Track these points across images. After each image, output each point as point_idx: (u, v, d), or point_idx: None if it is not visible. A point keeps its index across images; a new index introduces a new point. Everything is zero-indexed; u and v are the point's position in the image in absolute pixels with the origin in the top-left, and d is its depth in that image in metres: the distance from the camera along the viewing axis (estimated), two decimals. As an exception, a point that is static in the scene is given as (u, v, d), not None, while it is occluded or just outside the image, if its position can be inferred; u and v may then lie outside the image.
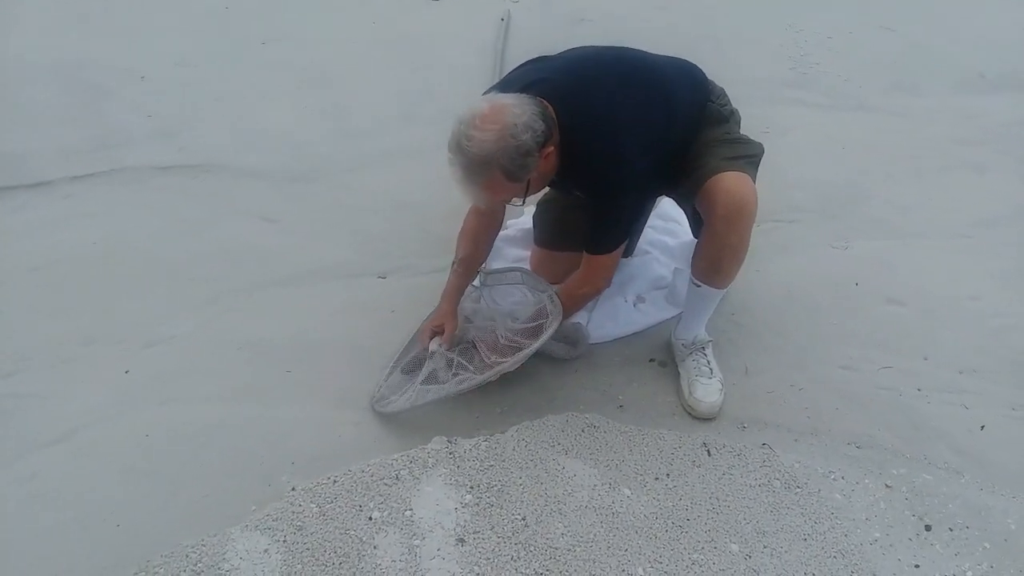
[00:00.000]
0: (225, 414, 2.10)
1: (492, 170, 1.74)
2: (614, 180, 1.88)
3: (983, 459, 2.05)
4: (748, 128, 2.12)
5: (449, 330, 2.18)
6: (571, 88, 1.87)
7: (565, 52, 2.05)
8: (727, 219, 1.92)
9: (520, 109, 1.73)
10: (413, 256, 2.65)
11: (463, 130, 1.72)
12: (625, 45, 2.05)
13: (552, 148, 1.81)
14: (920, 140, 3.31)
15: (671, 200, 2.36)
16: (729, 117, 2.09)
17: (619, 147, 1.86)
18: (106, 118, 3.28)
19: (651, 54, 2.05)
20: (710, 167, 1.95)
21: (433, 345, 2.16)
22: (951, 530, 1.88)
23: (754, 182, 1.96)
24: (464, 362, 2.14)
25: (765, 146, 2.07)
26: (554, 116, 1.82)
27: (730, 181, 1.91)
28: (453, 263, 2.23)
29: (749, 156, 2.01)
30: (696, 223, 2.08)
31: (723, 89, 2.13)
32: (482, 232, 2.22)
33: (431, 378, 2.14)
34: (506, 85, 1.91)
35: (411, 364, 2.21)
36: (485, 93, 1.90)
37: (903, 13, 4.33)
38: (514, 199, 1.87)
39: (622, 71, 1.96)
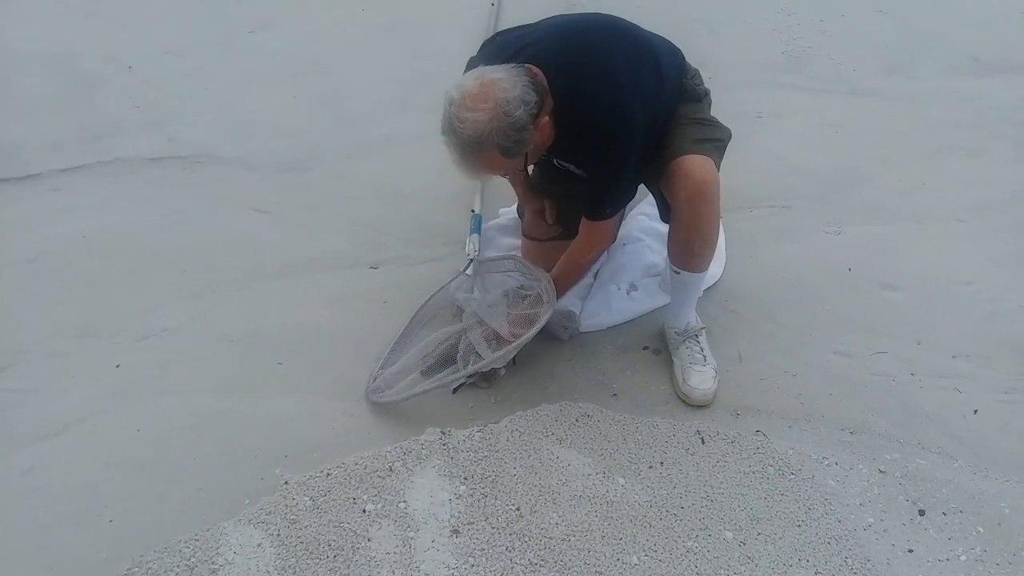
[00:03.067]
0: (218, 407, 2.10)
1: (488, 149, 1.71)
2: (618, 138, 1.84)
3: (976, 444, 2.05)
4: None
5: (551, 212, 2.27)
6: (565, 50, 1.84)
7: (547, 19, 2.00)
8: (690, 202, 1.92)
9: (510, 83, 1.69)
10: (407, 246, 2.64)
11: (454, 112, 1.69)
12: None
13: (546, 117, 1.78)
14: (914, 124, 3.29)
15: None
16: (703, 97, 2.08)
17: (623, 104, 1.82)
18: (94, 109, 3.25)
19: (633, 23, 2.01)
20: (675, 148, 1.94)
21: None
22: (945, 515, 1.88)
23: (718, 167, 1.95)
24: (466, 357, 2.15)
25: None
26: (545, 83, 1.78)
27: (691, 164, 1.90)
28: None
29: (716, 140, 2.00)
30: (664, 208, 2.07)
31: (697, 70, 2.11)
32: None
33: (428, 371, 2.14)
34: (492, 55, 1.86)
35: (434, 364, 2.19)
36: (470, 64, 1.87)
37: (896, -5, 4.30)
38: (511, 174, 1.86)
39: (613, 34, 1.93)
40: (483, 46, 1.97)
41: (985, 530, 1.85)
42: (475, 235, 2.50)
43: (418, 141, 3.08)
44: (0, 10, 3.87)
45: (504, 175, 1.88)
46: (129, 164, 2.96)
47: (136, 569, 1.72)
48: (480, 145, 1.70)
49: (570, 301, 2.34)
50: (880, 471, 1.97)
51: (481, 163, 1.75)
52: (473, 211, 2.63)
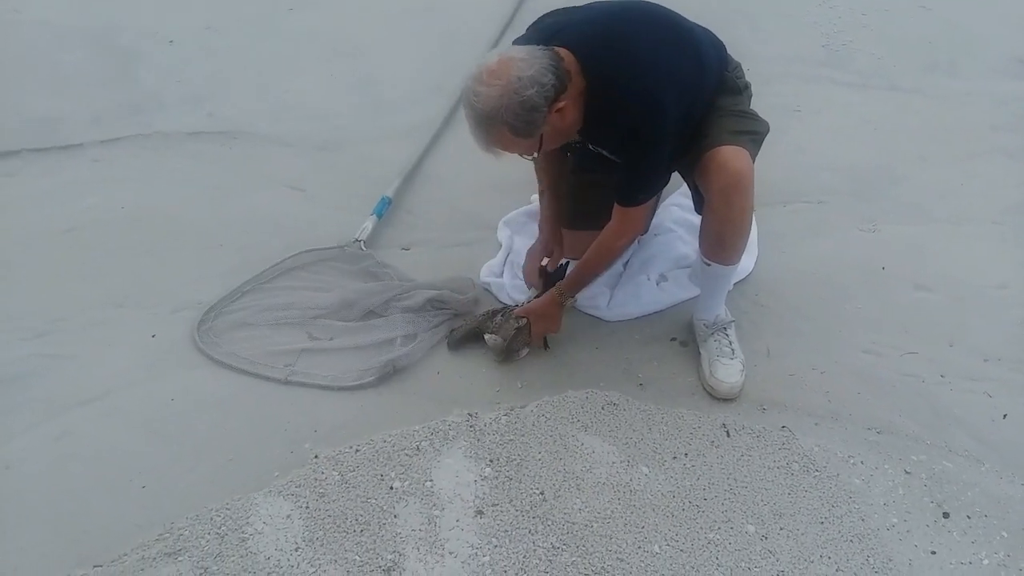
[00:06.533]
0: (249, 380, 2.13)
1: (498, 126, 1.73)
2: (649, 124, 1.83)
3: (1004, 448, 2.03)
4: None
5: (557, 255, 2.29)
6: (600, 35, 1.84)
7: (593, 3, 2.00)
8: (723, 193, 1.91)
9: (527, 63, 1.70)
10: (438, 229, 2.66)
11: (471, 85, 1.72)
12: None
13: (565, 103, 1.77)
14: (953, 124, 3.24)
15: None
16: (743, 90, 2.07)
17: (657, 90, 1.81)
18: (136, 83, 3.30)
19: (677, 13, 2.00)
20: (711, 138, 1.92)
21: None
22: (969, 518, 1.87)
23: (754, 159, 1.93)
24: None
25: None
26: (577, 66, 1.78)
27: (725, 155, 1.88)
28: (540, 193, 2.30)
29: (753, 133, 1.99)
30: (699, 200, 2.07)
31: (739, 63, 2.10)
32: (553, 161, 2.22)
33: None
34: (534, 34, 1.89)
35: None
36: (517, 43, 1.89)
37: (941, -9, 4.22)
38: (526, 154, 1.86)
39: (652, 21, 1.92)
40: (532, 24, 1.98)
41: (1009, 535, 1.84)
42: (373, 217, 2.58)
43: (449, 126, 3.09)
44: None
45: (522, 155, 1.88)
46: (169, 138, 3.01)
47: (167, 535, 1.76)
48: (490, 120, 1.72)
49: (599, 290, 2.35)
50: (906, 472, 1.97)
51: (492, 138, 1.78)
52: (385, 196, 2.70)
